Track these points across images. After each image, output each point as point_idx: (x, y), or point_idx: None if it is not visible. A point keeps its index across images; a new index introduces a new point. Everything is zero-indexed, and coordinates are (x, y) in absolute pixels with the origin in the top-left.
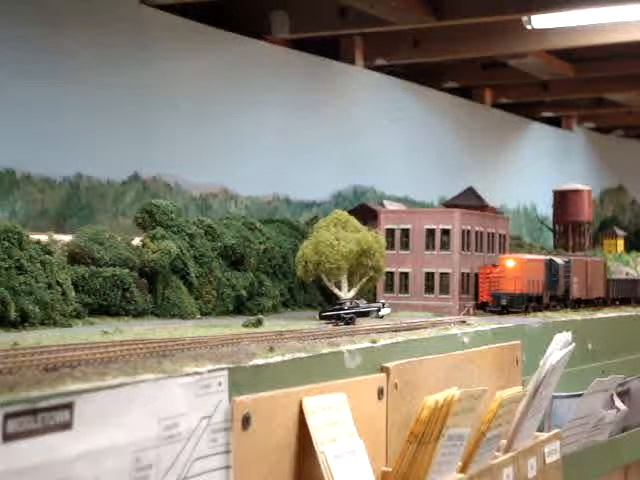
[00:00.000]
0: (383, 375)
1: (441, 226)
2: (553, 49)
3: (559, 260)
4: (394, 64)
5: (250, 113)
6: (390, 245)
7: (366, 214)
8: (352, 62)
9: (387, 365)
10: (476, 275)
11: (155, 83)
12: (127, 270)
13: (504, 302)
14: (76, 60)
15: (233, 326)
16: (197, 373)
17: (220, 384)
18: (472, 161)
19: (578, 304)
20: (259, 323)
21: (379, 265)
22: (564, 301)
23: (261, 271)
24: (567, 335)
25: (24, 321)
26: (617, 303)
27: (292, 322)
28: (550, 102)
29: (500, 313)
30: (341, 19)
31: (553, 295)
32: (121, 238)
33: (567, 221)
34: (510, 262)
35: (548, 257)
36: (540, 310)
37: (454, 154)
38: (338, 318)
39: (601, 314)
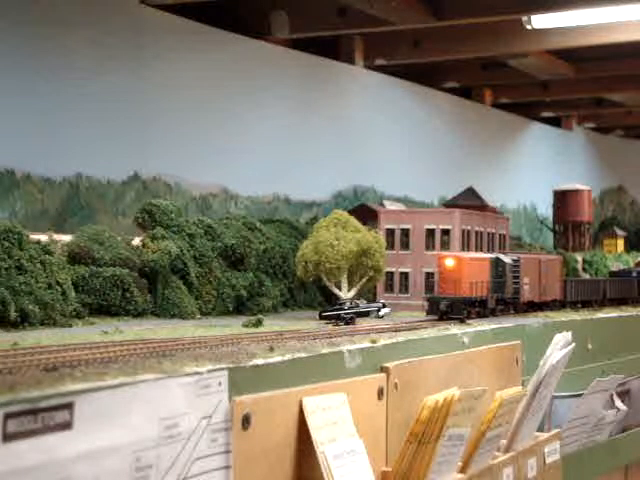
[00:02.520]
0: (383, 375)
1: (441, 226)
2: (553, 49)
3: (507, 259)
4: (394, 64)
5: (250, 113)
6: (390, 245)
7: (366, 214)
8: (352, 62)
9: (387, 365)
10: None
11: (155, 83)
12: (127, 270)
13: (443, 307)
14: (76, 60)
15: (233, 326)
16: (197, 373)
17: (220, 384)
18: (472, 161)
19: (530, 308)
20: (259, 323)
21: (379, 265)
22: (513, 305)
23: (261, 271)
24: (567, 335)
25: (24, 321)
26: (579, 306)
27: (292, 322)
28: (550, 102)
29: (440, 319)
30: (341, 19)
31: (500, 298)
32: (121, 238)
33: (567, 221)
34: (449, 261)
35: (494, 255)
36: (485, 316)
37: (454, 154)
38: (338, 318)
39: (601, 314)
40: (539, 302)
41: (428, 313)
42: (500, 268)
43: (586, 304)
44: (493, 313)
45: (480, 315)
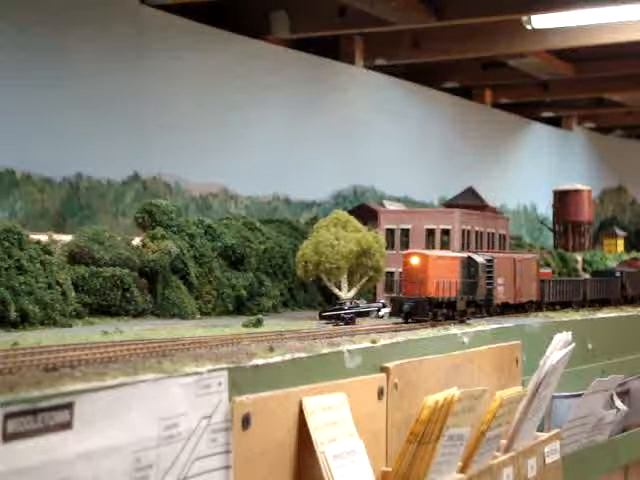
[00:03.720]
0: (383, 375)
1: (441, 226)
2: (553, 49)
3: (479, 258)
4: (394, 64)
5: (250, 113)
6: (390, 245)
7: (366, 214)
8: (352, 62)
9: (387, 365)
10: None
11: (155, 83)
12: (127, 270)
13: (406, 308)
14: (76, 60)
15: (233, 326)
16: (197, 373)
17: (220, 384)
18: (472, 161)
19: (505, 310)
20: (259, 323)
21: (379, 265)
22: (486, 306)
23: (261, 271)
24: (567, 335)
25: (24, 321)
26: (557, 308)
27: (292, 322)
28: (550, 102)
29: (405, 322)
30: (341, 19)
31: (471, 300)
32: (121, 238)
33: (567, 221)
34: (414, 259)
35: (465, 254)
36: (453, 318)
37: (454, 154)
38: (338, 318)
39: (601, 314)
40: (514, 304)
41: (391, 315)
42: (472, 268)
43: (565, 305)
44: (463, 315)
45: (448, 317)
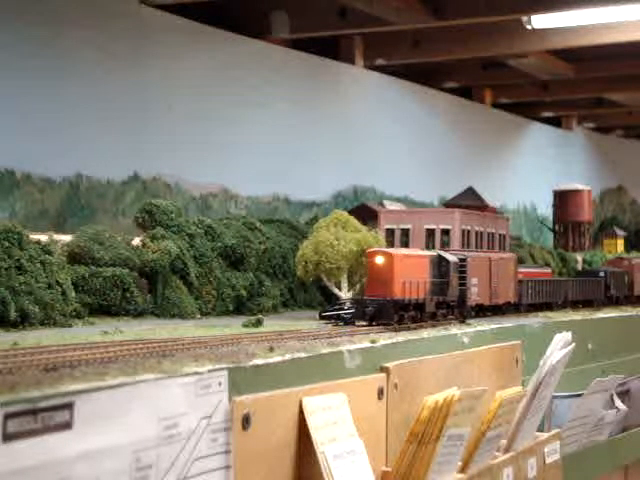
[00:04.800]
0: (383, 375)
1: (441, 226)
2: (553, 49)
3: (451, 257)
4: (394, 64)
5: (250, 113)
6: (390, 245)
7: (366, 214)
8: (352, 62)
9: (387, 365)
10: None
11: (155, 83)
12: (127, 270)
13: (370, 311)
14: (76, 60)
15: (233, 326)
16: (197, 373)
17: (220, 384)
18: (472, 161)
19: (480, 312)
20: (259, 323)
21: None
22: (459, 308)
23: (261, 271)
24: (567, 335)
25: (24, 321)
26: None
27: (292, 322)
28: (550, 102)
29: (369, 326)
30: (341, 19)
31: (442, 301)
32: (121, 238)
33: (567, 221)
34: (379, 258)
35: (435, 253)
36: (422, 320)
37: (454, 154)
38: (338, 318)
39: (601, 314)
40: (490, 305)
41: (354, 318)
42: (443, 267)
43: (545, 307)
44: (433, 318)
45: (416, 320)
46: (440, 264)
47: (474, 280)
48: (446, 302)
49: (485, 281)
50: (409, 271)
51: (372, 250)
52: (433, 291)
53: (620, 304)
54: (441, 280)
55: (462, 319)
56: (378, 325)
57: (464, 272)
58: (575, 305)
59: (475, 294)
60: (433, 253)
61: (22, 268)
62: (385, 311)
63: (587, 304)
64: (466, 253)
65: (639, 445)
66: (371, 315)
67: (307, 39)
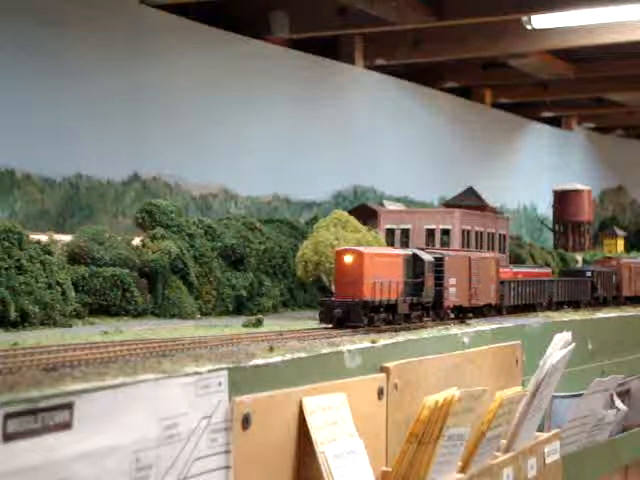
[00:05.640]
0: (383, 375)
1: (441, 226)
2: (553, 49)
3: (426, 256)
4: (394, 64)
5: (250, 113)
6: (390, 245)
7: (366, 214)
8: (352, 62)
9: (387, 365)
10: None
11: (155, 83)
12: (127, 270)
13: (337, 313)
14: (76, 60)
15: (233, 326)
16: (197, 373)
17: (220, 384)
18: (472, 161)
19: (460, 313)
20: (259, 323)
21: None
22: (435, 310)
23: (261, 271)
24: (567, 335)
25: (24, 321)
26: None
27: (292, 322)
28: (550, 102)
29: (338, 327)
30: (341, 19)
31: (416, 302)
32: (121, 238)
33: (567, 221)
34: (348, 257)
35: (410, 251)
36: (395, 323)
37: (454, 154)
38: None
39: (601, 314)
40: (469, 307)
41: (321, 320)
42: (418, 267)
43: (528, 309)
44: (407, 320)
45: (388, 322)
46: (415, 263)
47: (452, 280)
48: (421, 303)
49: (464, 281)
50: (381, 271)
51: (341, 248)
52: (407, 292)
53: (607, 305)
54: (415, 280)
55: (440, 320)
56: (347, 328)
57: (441, 272)
58: (560, 306)
59: (453, 295)
60: (408, 252)
61: (22, 268)
62: (354, 313)
63: (573, 305)
64: (444, 252)
65: (639, 445)
66: (339, 317)
67: (307, 39)
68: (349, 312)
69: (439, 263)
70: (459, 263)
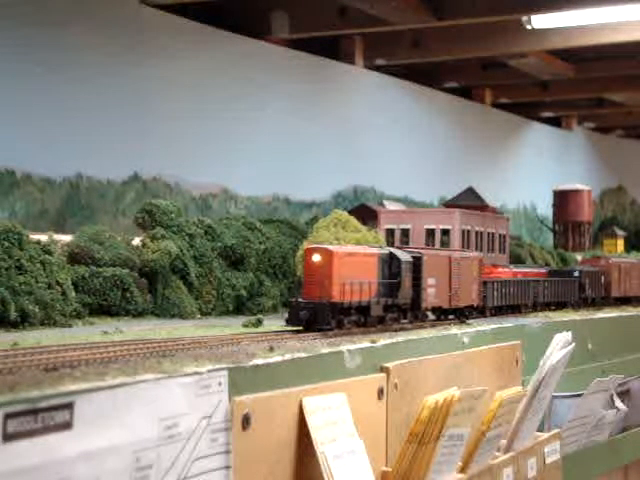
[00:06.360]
0: (383, 375)
1: (441, 226)
2: (553, 49)
3: (403, 255)
4: (394, 64)
5: (250, 113)
6: (390, 245)
7: (366, 214)
8: (352, 62)
9: (387, 365)
10: None
11: (155, 83)
12: (127, 270)
13: (304, 315)
14: (76, 60)
15: (233, 326)
16: (197, 373)
17: (220, 384)
18: (472, 161)
19: (441, 315)
20: (259, 323)
21: None
22: (413, 312)
23: (261, 271)
24: (567, 335)
25: (24, 321)
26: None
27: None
28: (550, 102)
29: (306, 330)
30: (341, 19)
31: (392, 304)
32: (121, 238)
33: (567, 221)
34: (316, 256)
35: (386, 250)
36: (368, 325)
37: (454, 154)
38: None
39: (601, 314)
40: (450, 309)
41: (288, 322)
42: (394, 267)
43: (512, 310)
44: (381, 322)
45: (359, 325)
46: (391, 263)
47: (431, 281)
48: (397, 305)
49: (444, 282)
50: (352, 271)
51: (310, 247)
52: (382, 293)
53: (595, 306)
54: (391, 281)
55: (418, 322)
56: (314, 331)
57: (419, 272)
58: (547, 307)
59: (432, 296)
60: (383, 251)
61: (22, 268)
62: (321, 315)
63: (560, 306)
64: (423, 251)
65: (639, 445)
66: (306, 320)
67: (307, 39)
68: (316, 314)
69: (417, 263)
70: (439, 263)
